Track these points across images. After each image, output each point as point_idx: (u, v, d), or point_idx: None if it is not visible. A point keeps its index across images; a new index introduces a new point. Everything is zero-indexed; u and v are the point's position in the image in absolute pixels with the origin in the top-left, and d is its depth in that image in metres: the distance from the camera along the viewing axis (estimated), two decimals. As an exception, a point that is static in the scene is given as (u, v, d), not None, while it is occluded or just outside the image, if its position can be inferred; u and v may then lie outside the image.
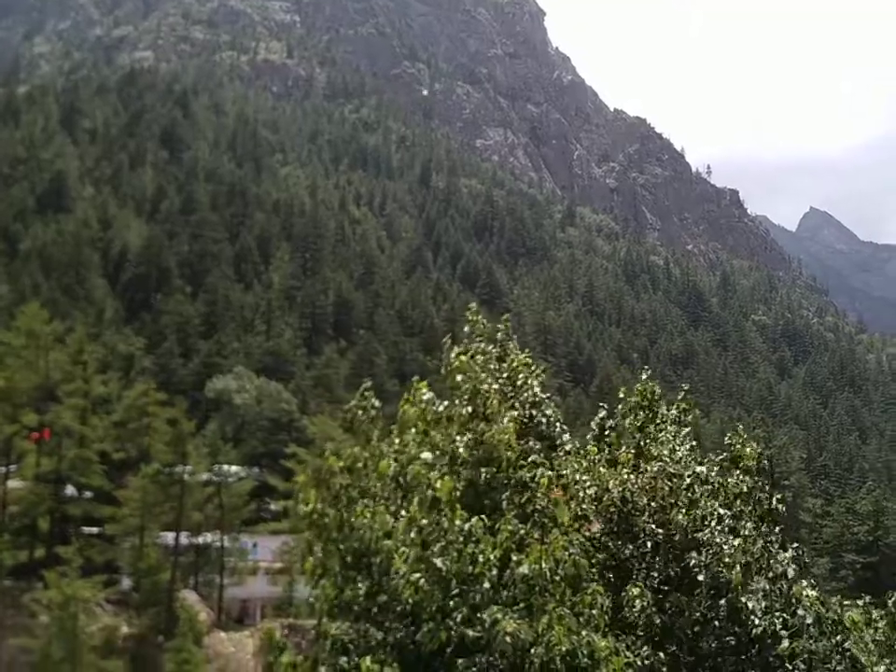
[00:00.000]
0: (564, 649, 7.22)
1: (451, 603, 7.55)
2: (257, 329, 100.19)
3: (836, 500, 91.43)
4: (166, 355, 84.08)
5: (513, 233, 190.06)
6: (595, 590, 8.13)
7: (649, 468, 11.12)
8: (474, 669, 7.29)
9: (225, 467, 56.14)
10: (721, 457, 12.27)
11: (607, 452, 11.54)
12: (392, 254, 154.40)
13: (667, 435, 11.99)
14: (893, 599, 12.66)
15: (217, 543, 52.70)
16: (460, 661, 7.30)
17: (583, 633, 7.47)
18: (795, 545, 12.22)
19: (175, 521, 50.06)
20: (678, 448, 11.72)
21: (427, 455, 8.93)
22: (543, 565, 7.64)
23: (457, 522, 7.82)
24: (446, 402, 10.02)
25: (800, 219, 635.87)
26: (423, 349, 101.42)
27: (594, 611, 7.95)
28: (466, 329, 10.91)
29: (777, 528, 11.82)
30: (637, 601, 9.40)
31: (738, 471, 12.33)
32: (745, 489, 12.05)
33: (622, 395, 12.39)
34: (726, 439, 12.84)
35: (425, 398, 9.71)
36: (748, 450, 12.24)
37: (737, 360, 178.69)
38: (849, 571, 74.42)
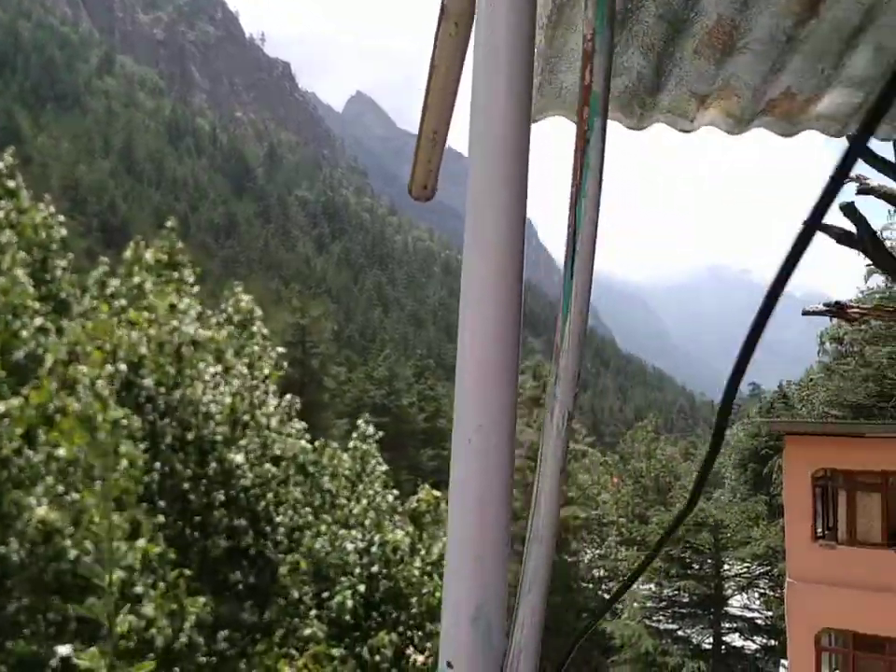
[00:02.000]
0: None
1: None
2: None
3: (358, 368, 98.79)
4: None
5: (41, 74, 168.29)
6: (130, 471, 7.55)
7: (154, 330, 10.62)
8: None
9: None
10: (222, 317, 11.89)
11: (120, 311, 11.04)
12: None
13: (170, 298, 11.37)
14: (360, 431, 13.23)
15: None
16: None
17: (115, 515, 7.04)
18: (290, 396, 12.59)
19: None
20: (182, 310, 11.19)
21: None
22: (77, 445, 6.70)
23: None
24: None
25: (346, 102, 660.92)
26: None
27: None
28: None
29: (270, 382, 11.87)
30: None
31: (247, 333, 12.16)
32: (255, 350, 12.10)
33: (129, 254, 11.60)
34: (225, 298, 12.38)
35: None
36: (242, 304, 11.89)
37: (279, 233, 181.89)
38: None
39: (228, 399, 10.41)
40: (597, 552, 41.95)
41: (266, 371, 12.09)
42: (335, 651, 9.98)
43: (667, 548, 32.78)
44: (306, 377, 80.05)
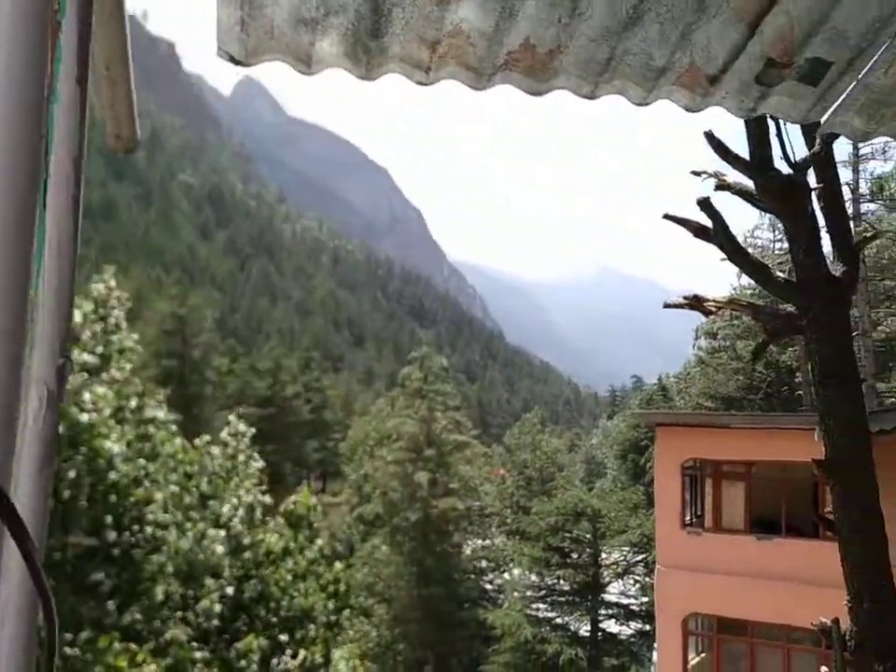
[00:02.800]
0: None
1: None
2: None
3: (242, 358, 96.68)
4: None
5: None
6: None
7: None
8: None
9: None
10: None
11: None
12: None
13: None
14: (232, 427, 12.76)
15: None
16: None
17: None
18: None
19: None
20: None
21: None
22: None
23: None
24: None
25: (234, 85, 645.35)
26: None
27: None
28: None
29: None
30: None
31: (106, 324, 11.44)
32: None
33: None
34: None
35: None
36: (101, 289, 11.24)
37: (161, 219, 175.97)
38: (250, 424, 79.60)
39: (101, 389, 9.76)
40: (480, 542, 42.24)
41: (128, 366, 11.40)
42: (198, 655, 9.49)
43: (547, 538, 33.29)
44: (187, 368, 77.77)
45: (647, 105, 2.04)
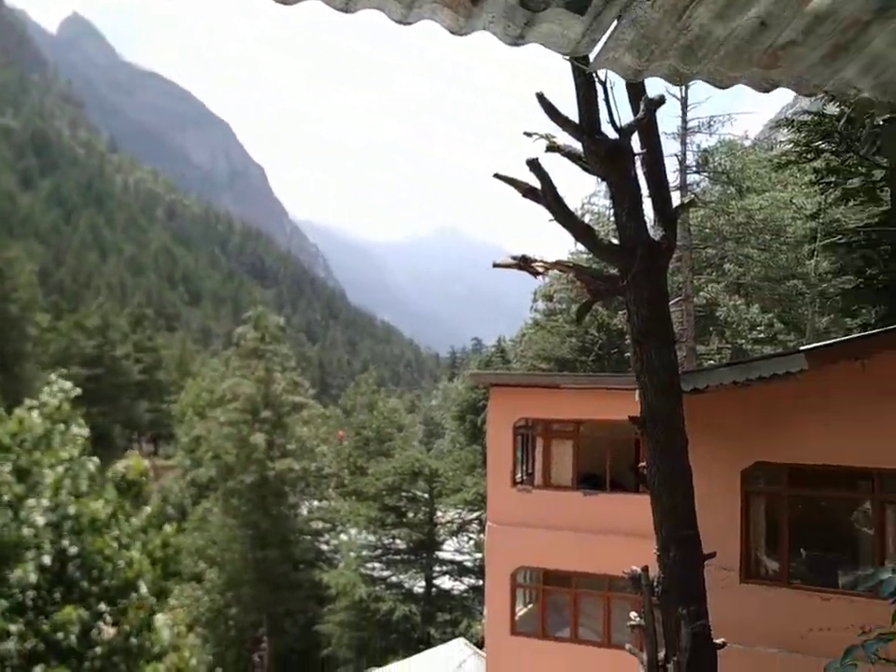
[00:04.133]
0: None
1: None
2: None
3: (68, 315, 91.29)
4: None
5: None
6: None
7: None
8: None
9: None
10: None
11: None
12: None
13: None
14: (53, 387, 11.84)
15: None
16: None
17: None
18: None
19: None
20: None
21: None
22: None
23: None
24: None
25: (61, 22, 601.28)
26: None
27: None
28: None
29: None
30: None
31: None
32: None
33: None
34: None
35: None
36: None
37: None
38: (75, 384, 75.19)
39: None
40: (316, 504, 42.08)
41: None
42: (13, 627, 8.94)
43: (384, 498, 33.54)
44: (6, 325, 72.71)
45: (408, 23, 1.92)
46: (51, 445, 10.73)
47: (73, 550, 9.36)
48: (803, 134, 22.98)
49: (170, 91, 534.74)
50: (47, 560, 9.23)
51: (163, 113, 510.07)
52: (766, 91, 2.23)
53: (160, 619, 10.35)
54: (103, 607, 9.50)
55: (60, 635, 8.92)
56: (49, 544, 9.40)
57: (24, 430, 10.49)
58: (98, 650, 9.15)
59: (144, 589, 9.90)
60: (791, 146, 24.86)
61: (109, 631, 9.47)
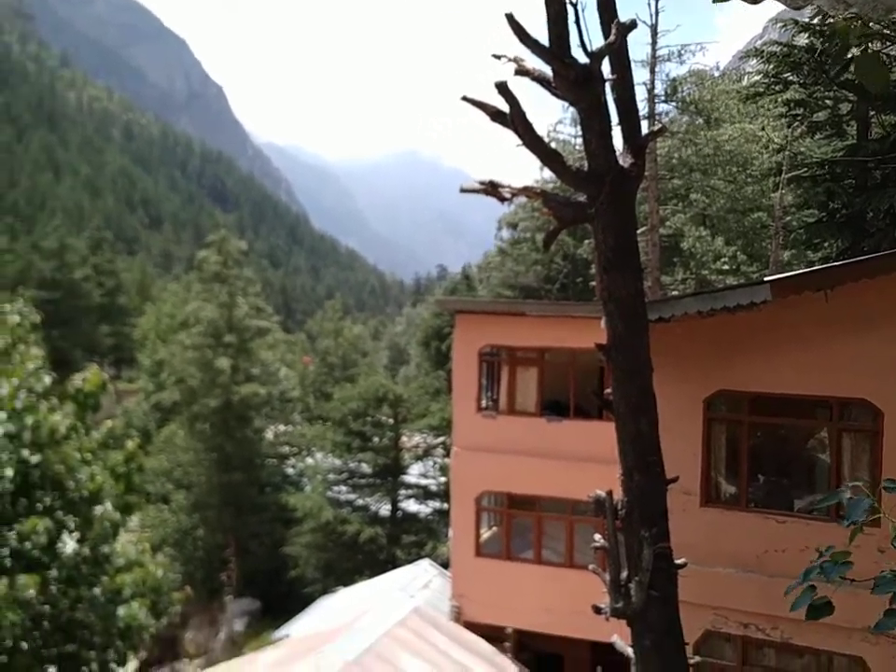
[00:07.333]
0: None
1: None
2: None
3: (23, 237, 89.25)
4: None
5: None
6: None
7: None
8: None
9: None
10: None
11: None
12: None
13: None
14: (13, 306, 11.52)
15: None
16: None
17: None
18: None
19: None
20: None
21: None
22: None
23: None
24: None
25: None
26: None
27: None
28: None
29: None
30: None
31: None
32: None
33: None
34: None
35: None
36: None
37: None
38: (34, 307, 73.89)
39: None
40: (282, 428, 42.28)
41: None
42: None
43: (350, 423, 33.77)
44: (-41, 246, 71.03)
45: None
46: (10, 361, 10.57)
47: (34, 459, 9.31)
48: (772, 66, 22.84)
49: (124, 4, 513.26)
50: (9, 472, 9.18)
51: (117, 28, 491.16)
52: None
53: (123, 535, 10.44)
54: (68, 518, 9.53)
55: (27, 544, 8.94)
56: (7, 454, 9.34)
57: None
58: (64, 559, 9.22)
59: (108, 503, 9.93)
60: (759, 77, 24.70)
61: (72, 544, 9.54)
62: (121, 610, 9.61)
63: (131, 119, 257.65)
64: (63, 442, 9.81)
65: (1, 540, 8.92)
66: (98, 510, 9.81)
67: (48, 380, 10.78)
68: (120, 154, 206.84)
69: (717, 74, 34.34)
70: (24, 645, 8.60)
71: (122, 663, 9.94)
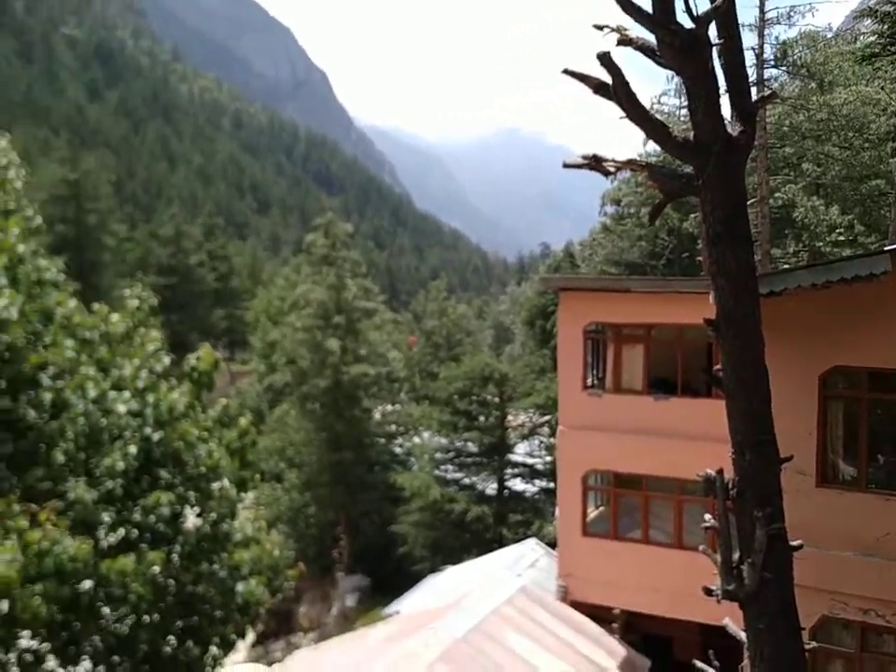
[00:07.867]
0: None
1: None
2: None
3: (142, 225, 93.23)
4: None
5: None
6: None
7: None
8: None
9: None
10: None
11: None
12: None
13: None
14: (134, 291, 12.00)
15: None
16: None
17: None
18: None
19: None
20: None
21: None
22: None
23: None
24: None
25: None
26: None
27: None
28: None
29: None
30: None
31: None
32: None
33: None
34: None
35: None
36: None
37: (44, 76, 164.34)
38: (153, 292, 77.06)
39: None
40: (389, 408, 42.91)
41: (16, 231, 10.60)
42: (105, 516, 9.35)
43: (455, 402, 33.99)
44: (84, 235, 74.54)
45: None
46: (132, 343, 11.02)
47: (156, 436, 9.69)
48: (887, 26, 21.62)
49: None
50: (133, 449, 9.58)
51: (224, 20, 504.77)
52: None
53: (240, 513, 10.81)
54: (189, 493, 9.90)
55: (151, 518, 9.33)
56: (131, 432, 9.75)
57: (107, 325, 10.75)
58: (186, 535, 9.60)
59: (225, 479, 10.28)
60: (874, 37, 23.41)
61: (195, 518, 9.92)
62: (240, 586, 9.96)
63: (239, 108, 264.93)
64: (181, 420, 10.22)
65: (127, 515, 9.35)
66: (216, 485, 10.17)
67: (166, 361, 11.23)
68: (230, 142, 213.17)
69: (829, 35, 32.67)
70: (147, 618, 9.01)
71: (241, 636, 10.34)
